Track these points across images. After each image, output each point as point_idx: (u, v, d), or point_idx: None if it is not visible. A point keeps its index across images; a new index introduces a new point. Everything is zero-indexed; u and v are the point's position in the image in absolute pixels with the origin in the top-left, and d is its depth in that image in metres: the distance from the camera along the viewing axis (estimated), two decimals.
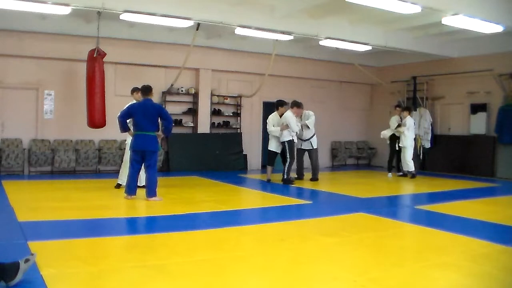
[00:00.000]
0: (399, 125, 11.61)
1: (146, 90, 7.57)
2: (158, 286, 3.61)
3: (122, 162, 8.93)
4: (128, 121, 7.66)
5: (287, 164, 9.89)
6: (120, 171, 8.61)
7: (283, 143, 9.93)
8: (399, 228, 6.08)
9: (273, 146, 10.16)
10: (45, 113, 10.76)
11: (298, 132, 10.14)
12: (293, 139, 9.90)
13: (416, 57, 13.13)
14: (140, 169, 7.54)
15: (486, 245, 4.99)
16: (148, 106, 7.41)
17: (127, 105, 8.06)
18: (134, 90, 8.49)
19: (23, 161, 10.31)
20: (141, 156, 7.39)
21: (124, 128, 7.57)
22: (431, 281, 3.89)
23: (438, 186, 10.27)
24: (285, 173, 9.87)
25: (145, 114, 7.34)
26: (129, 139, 8.14)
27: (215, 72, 12.75)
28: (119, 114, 7.55)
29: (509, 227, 6.01)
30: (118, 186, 8.43)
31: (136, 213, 6.90)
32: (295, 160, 10.30)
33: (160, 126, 7.67)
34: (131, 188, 7.46)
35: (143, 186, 8.37)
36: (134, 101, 8.25)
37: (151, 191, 7.38)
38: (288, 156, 9.88)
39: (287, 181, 9.87)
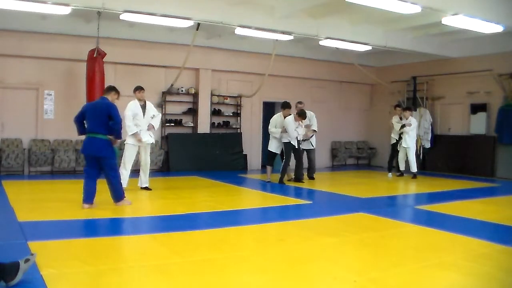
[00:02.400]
0: (403, 126, 11.57)
1: (106, 89, 6.97)
2: (158, 286, 3.61)
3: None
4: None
5: (283, 165, 9.97)
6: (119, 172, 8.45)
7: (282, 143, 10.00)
8: (399, 228, 6.07)
9: (273, 147, 10.16)
10: (45, 113, 10.76)
11: (298, 138, 10.12)
12: (290, 141, 9.90)
13: (416, 57, 13.13)
14: (95, 175, 6.63)
15: (486, 245, 4.99)
16: (98, 105, 6.69)
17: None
18: (137, 89, 8.39)
19: (23, 161, 10.31)
20: (94, 161, 6.60)
21: (80, 131, 6.74)
22: (431, 281, 3.90)
23: (438, 186, 10.26)
24: (280, 173, 9.96)
25: (94, 114, 6.60)
26: (127, 138, 8.12)
27: (215, 72, 12.75)
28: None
29: (509, 227, 6.01)
30: None
31: (136, 213, 6.89)
32: (294, 161, 10.33)
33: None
34: (88, 196, 6.54)
35: (145, 188, 8.36)
36: (137, 101, 8.26)
37: (117, 196, 6.76)
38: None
39: (291, 180, 10.12)
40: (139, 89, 8.37)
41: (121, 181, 8.02)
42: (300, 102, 10.71)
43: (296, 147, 10.04)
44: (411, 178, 11.34)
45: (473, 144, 12.63)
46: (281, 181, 9.90)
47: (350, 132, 15.30)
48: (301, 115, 9.97)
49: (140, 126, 8.17)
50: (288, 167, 10.26)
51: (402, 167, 11.74)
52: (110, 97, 6.81)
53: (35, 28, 10.07)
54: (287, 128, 9.76)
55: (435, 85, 13.62)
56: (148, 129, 8.30)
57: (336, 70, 14.31)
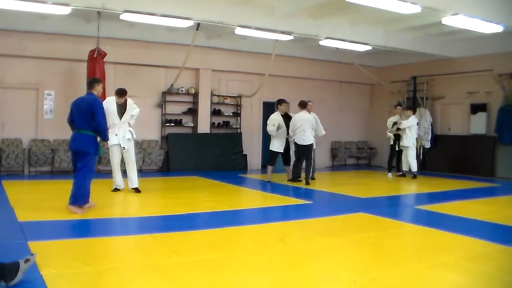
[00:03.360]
0: (395, 123, 11.59)
1: (88, 83, 6.68)
2: (158, 286, 3.61)
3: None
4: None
5: (311, 167, 10.03)
6: (112, 174, 8.16)
7: (307, 146, 9.78)
8: (399, 228, 6.07)
9: (275, 146, 10.15)
10: (45, 113, 10.76)
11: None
12: (313, 143, 9.93)
13: (416, 57, 13.13)
14: None
15: (486, 245, 4.99)
16: (83, 102, 6.39)
17: None
18: (117, 93, 8.01)
19: (23, 161, 10.31)
20: (76, 158, 6.38)
21: (69, 118, 6.57)
22: (431, 281, 3.90)
23: (438, 186, 10.26)
24: (309, 177, 9.95)
25: (79, 111, 6.34)
26: (110, 138, 7.49)
27: (215, 72, 12.75)
28: None
29: (509, 227, 6.01)
30: (116, 190, 8.14)
31: (136, 213, 6.90)
32: (297, 160, 10.32)
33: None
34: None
35: (135, 189, 8.16)
36: (114, 100, 7.97)
37: (73, 199, 6.20)
38: (307, 158, 9.92)
39: (290, 180, 10.12)
40: (119, 93, 7.96)
41: (115, 186, 7.97)
42: (309, 101, 10.64)
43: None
44: (411, 178, 11.34)
45: (473, 144, 12.63)
46: (308, 182, 9.84)
47: (350, 132, 15.30)
48: (303, 105, 10.01)
49: (117, 125, 7.89)
50: (288, 167, 10.29)
51: (405, 167, 11.72)
52: (96, 90, 6.55)
53: (35, 28, 10.07)
54: (319, 123, 10.09)
55: (435, 85, 13.62)
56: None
57: (336, 70, 14.31)
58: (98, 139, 6.49)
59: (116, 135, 7.88)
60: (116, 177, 8.09)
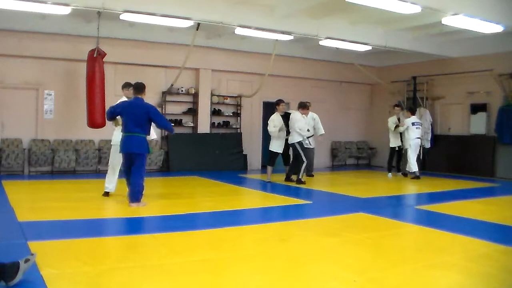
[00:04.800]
0: (397, 126, 11.62)
1: (138, 88, 6.86)
2: (158, 286, 3.61)
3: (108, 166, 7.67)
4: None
5: (304, 165, 9.84)
6: (106, 176, 7.52)
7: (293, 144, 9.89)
8: (399, 228, 6.07)
9: (275, 146, 10.14)
10: (45, 113, 10.77)
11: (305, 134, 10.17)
12: (301, 141, 9.89)
13: (416, 57, 13.13)
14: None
15: (486, 245, 4.99)
16: (136, 106, 6.72)
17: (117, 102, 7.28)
18: (125, 86, 7.47)
19: (23, 161, 10.31)
20: (129, 159, 6.74)
21: (111, 118, 6.99)
22: (431, 281, 3.89)
23: (438, 186, 10.26)
24: (300, 174, 9.85)
25: (131, 115, 6.67)
26: (114, 138, 7.37)
27: (215, 72, 12.76)
28: (108, 109, 7.09)
29: (509, 227, 6.01)
30: (106, 194, 7.51)
31: (136, 213, 6.88)
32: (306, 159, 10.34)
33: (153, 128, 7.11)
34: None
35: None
36: (125, 98, 7.36)
37: (133, 197, 6.71)
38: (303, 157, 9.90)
39: (300, 182, 9.94)
40: (127, 86, 7.45)
41: (106, 189, 7.57)
42: (308, 102, 10.59)
43: (310, 145, 10.02)
44: (410, 179, 11.33)
45: (473, 144, 12.63)
46: (300, 181, 9.77)
47: (350, 132, 15.30)
48: (303, 107, 9.95)
49: None
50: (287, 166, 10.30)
51: (407, 168, 11.68)
52: (144, 95, 6.93)
53: (35, 28, 10.08)
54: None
55: (435, 85, 13.62)
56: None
57: (336, 70, 14.31)
58: (149, 138, 6.95)
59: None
60: (112, 181, 7.46)
